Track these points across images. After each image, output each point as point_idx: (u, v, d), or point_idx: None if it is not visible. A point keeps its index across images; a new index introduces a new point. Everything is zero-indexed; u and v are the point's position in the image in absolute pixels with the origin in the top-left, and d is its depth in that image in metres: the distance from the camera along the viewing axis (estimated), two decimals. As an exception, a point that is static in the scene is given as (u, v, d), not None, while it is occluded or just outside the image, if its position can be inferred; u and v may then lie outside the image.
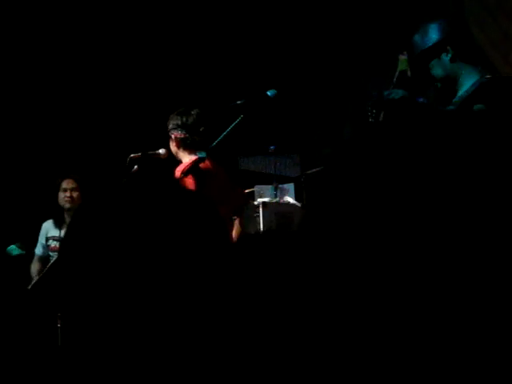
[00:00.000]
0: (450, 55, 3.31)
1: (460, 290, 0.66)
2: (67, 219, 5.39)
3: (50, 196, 5.44)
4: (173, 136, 4.45)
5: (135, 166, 4.65)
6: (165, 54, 6.89)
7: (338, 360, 0.69)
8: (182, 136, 4.40)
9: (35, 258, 5.52)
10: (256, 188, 5.85)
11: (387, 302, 0.67)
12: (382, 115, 3.11)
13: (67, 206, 5.37)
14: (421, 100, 2.97)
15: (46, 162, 6.49)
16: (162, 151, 4.71)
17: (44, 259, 5.45)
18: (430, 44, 3.34)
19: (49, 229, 5.50)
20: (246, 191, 5.41)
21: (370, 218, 0.69)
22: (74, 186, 5.40)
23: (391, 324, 0.67)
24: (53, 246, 5.45)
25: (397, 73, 3.41)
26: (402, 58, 3.46)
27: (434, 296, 0.66)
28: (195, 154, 4.14)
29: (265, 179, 6.06)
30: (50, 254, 5.44)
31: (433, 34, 3.34)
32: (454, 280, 0.66)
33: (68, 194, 5.38)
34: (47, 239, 5.49)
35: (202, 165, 4.04)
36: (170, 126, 4.46)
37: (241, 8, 6.83)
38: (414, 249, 0.67)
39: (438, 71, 3.35)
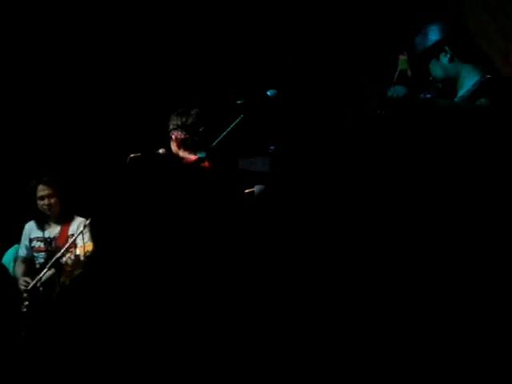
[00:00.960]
0: (448, 55, 3.31)
1: (449, 281, 0.66)
2: (50, 220, 5.36)
3: (29, 198, 5.37)
4: (173, 136, 4.47)
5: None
6: (165, 54, 6.89)
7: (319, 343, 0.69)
8: (182, 136, 4.41)
9: (19, 260, 5.41)
10: (256, 188, 5.85)
11: (377, 294, 0.68)
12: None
13: (47, 213, 5.32)
14: (422, 96, 2.96)
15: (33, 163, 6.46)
16: (161, 151, 4.71)
17: (28, 260, 5.37)
18: (429, 45, 3.34)
19: (31, 229, 5.43)
20: (246, 191, 5.41)
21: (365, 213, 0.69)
22: (50, 191, 5.32)
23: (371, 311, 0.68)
24: (37, 246, 5.38)
25: (397, 73, 3.40)
26: (402, 58, 3.46)
27: (421, 290, 0.67)
28: (195, 154, 4.15)
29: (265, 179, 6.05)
30: (35, 254, 5.36)
31: (431, 35, 3.35)
32: (441, 269, 0.66)
33: (46, 201, 5.30)
34: (31, 240, 5.41)
35: (201, 165, 4.05)
36: (171, 127, 4.49)
37: (240, 8, 6.83)
38: (413, 243, 0.67)
39: (437, 72, 3.35)
